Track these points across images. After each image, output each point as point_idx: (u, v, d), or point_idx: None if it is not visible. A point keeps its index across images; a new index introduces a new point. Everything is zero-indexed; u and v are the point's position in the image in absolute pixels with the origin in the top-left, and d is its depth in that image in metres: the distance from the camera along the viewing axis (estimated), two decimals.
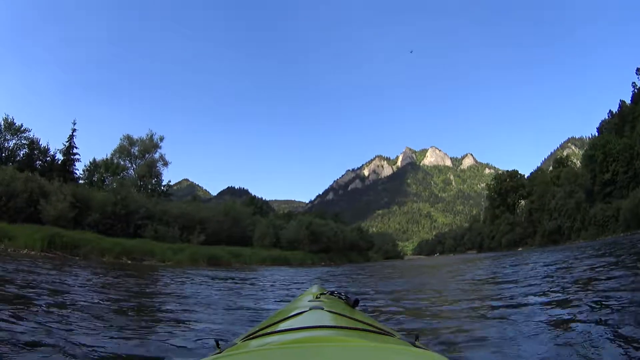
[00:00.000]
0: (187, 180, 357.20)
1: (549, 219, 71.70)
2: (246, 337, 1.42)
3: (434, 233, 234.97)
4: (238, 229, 40.39)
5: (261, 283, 12.63)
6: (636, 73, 62.55)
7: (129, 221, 30.28)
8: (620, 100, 64.85)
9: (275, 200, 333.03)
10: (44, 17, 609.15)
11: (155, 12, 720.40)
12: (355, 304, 2.01)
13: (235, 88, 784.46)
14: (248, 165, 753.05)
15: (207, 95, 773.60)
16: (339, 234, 53.23)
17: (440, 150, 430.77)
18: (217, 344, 1.38)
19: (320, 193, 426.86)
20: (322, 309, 1.59)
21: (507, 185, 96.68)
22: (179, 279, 12.83)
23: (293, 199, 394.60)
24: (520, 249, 72.59)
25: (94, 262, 18.54)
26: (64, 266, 13.88)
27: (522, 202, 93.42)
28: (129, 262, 21.31)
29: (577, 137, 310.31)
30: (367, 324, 1.45)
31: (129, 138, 41.22)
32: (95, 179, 41.03)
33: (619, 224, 50.32)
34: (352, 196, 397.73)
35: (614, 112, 65.92)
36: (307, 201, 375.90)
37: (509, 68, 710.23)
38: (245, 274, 17.59)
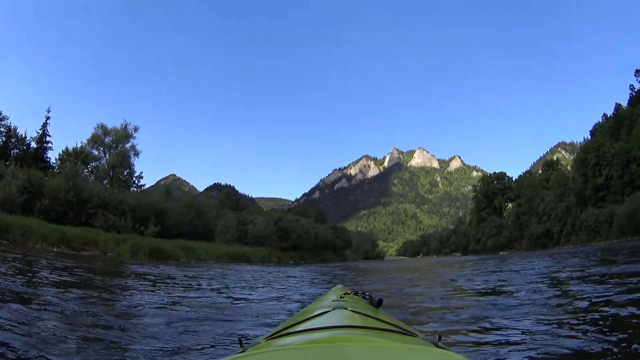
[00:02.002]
0: (174, 175, 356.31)
1: (537, 223, 69.96)
2: (270, 336, 1.43)
3: (419, 234, 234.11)
4: (201, 223, 39.49)
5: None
6: (635, 75, 61.45)
7: (82, 209, 29.15)
8: (616, 103, 63.83)
9: (262, 198, 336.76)
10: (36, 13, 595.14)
11: (145, 6, 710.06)
12: (379, 303, 1.93)
13: (225, 85, 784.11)
14: (236, 162, 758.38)
15: (197, 91, 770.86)
16: (311, 231, 51.76)
17: (427, 152, 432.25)
18: (241, 343, 1.37)
19: (307, 191, 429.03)
20: (346, 308, 1.58)
21: (494, 188, 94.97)
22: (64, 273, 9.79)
23: (280, 197, 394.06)
24: (504, 252, 70.99)
25: (21, 247, 16.93)
26: None
27: (510, 204, 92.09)
28: (70, 251, 20.27)
29: (567, 141, 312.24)
30: (391, 324, 1.45)
31: (102, 127, 40.16)
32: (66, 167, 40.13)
33: (613, 229, 48.59)
34: (338, 195, 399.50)
35: (608, 115, 64.67)
36: (294, 199, 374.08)
37: (499, 71, 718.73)
38: (182, 271, 15.25)
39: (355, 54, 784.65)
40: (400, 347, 1.02)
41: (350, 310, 1.55)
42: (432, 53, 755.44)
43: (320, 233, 56.34)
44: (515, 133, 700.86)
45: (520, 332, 3.84)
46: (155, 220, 31.62)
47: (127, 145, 40.60)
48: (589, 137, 70.11)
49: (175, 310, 5.70)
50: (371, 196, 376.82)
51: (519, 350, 3.17)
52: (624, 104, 62.80)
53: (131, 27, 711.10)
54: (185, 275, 13.04)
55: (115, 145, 40.11)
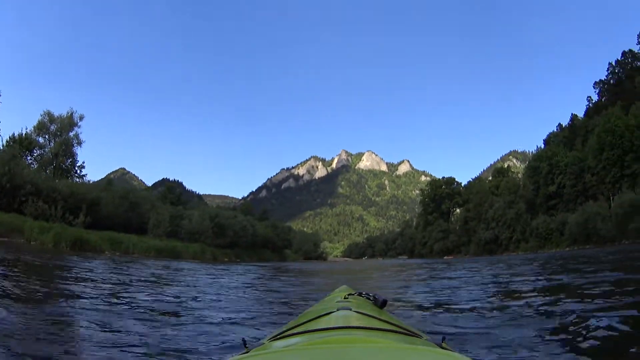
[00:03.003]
0: (123, 169, 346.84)
1: (485, 229, 70.19)
2: (274, 337, 1.43)
3: (365, 236, 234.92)
4: (136, 215, 39.21)
5: None
6: (593, 87, 63.06)
7: (15, 196, 28.69)
8: (572, 113, 65.48)
9: (209, 195, 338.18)
10: None
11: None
12: (383, 304, 1.93)
13: (178, 81, 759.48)
14: (187, 159, 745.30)
15: (150, 86, 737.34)
16: (249, 228, 51.05)
17: (376, 155, 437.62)
18: (245, 344, 1.41)
19: (254, 190, 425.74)
20: (350, 309, 1.59)
21: (442, 192, 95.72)
22: None
23: (227, 195, 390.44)
24: (450, 257, 70.50)
25: None
26: None
27: (458, 210, 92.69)
28: None
29: (519, 150, 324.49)
30: (395, 325, 1.46)
31: (49, 114, 39.54)
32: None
33: (565, 237, 48.75)
34: (285, 195, 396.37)
35: (563, 125, 65.93)
36: (241, 197, 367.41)
37: (452, 79, 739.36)
38: (89, 263, 14.13)
39: (308, 56, 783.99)
40: (405, 348, 1.02)
41: (355, 311, 1.54)
42: (384, 58, 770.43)
43: (259, 231, 56.20)
44: (466, 140, 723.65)
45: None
46: (86, 211, 30.74)
47: (71, 134, 39.97)
48: (542, 146, 71.28)
49: None
50: (318, 197, 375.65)
51: None
52: (580, 114, 64.32)
53: (91, 19, 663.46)
54: (82, 268, 11.82)
55: (59, 133, 39.58)
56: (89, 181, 43.09)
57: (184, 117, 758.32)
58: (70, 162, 40.61)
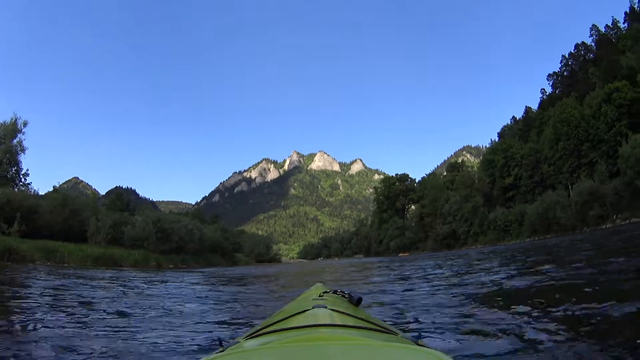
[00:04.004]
0: (76, 178, 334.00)
1: (442, 224, 69.62)
2: (249, 335, 1.42)
3: (320, 237, 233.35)
4: (77, 223, 38.00)
5: None
6: (547, 79, 63.89)
7: None
8: (526, 106, 66.16)
9: (163, 201, 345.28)
10: None
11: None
12: (358, 302, 1.94)
13: (127, 86, 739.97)
14: (140, 165, 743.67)
15: (101, 91, 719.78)
16: (195, 232, 49.60)
17: (328, 155, 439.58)
18: (221, 343, 1.39)
19: (207, 195, 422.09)
20: (326, 307, 1.57)
21: (396, 189, 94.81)
22: None
23: (180, 200, 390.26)
24: (404, 253, 69.48)
25: None
26: None
27: (413, 206, 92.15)
28: None
29: (473, 145, 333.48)
30: (371, 323, 1.46)
31: None
32: None
33: (524, 228, 48.43)
34: (238, 198, 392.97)
35: (517, 118, 66.43)
36: (194, 203, 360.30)
37: (403, 76, 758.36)
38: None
39: (255, 56, 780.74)
40: (381, 345, 1.01)
41: (330, 309, 1.53)
42: (333, 57, 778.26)
43: (207, 235, 54.84)
44: (419, 137, 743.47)
45: None
46: (22, 219, 29.81)
47: (15, 141, 38.67)
48: (497, 139, 71.65)
49: None
50: (271, 199, 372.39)
51: None
52: (534, 107, 65.03)
53: (36, 22, 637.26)
54: None
55: (3, 141, 38.29)
56: (35, 190, 41.92)
57: (136, 123, 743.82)
58: (15, 170, 39.45)
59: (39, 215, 33.54)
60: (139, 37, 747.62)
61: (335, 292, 2.22)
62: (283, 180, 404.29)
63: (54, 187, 52.77)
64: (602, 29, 60.17)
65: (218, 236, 61.67)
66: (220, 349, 1.19)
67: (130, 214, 48.26)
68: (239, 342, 1.30)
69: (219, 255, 58.69)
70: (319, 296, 2.05)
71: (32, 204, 33.82)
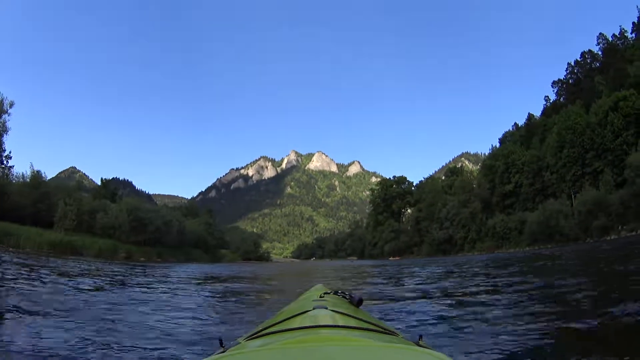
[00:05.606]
0: (74, 168, 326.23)
1: (439, 228, 68.42)
2: (250, 336, 1.44)
3: (315, 237, 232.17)
4: (46, 207, 36.18)
5: None
6: (552, 86, 63.12)
7: None
8: (529, 113, 65.47)
9: (160, 195, 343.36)
10: None
11: None
12: (359, 303, 1.94)
13: (129, 79, 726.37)
14: (138, 158, 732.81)
15: (100, 83, 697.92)
16: (174, 224, 47.12)
17: (326, 156, 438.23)
18: (221, 343, 1.41)
19: (203, 190, 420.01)
20: (326, 308, 1.59)
21: (393, 192, 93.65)
22: None
23: (177, 195, 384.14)
24: (396, 258, 68.22)
25: None
26: None
27: (409, 209, 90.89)
28: None
29: (471, 152, 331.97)
30: (371, 324, 1.48)
31: None
32: None
33: (524, 237, 47.18)
34: (235, 195, 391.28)
35: (519, 124, 65.53)
36: (190, 197, 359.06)
37: (405, 80, 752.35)
38: None
39: (258, 54, 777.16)
40: (382, 346, 1.02)
41: (331, 310, 1.54)
42: (335, 58, 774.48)
43: (189, 227, 52.59)
44: (417, 142, 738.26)
45: None
46: None
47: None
48: (497, 145, 70.73)
49: None
50: (267, 197, 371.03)
51: None
52: (537, 115, 64.28)
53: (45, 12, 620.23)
54: None
55: None
56: (19, 174, 40.72)
57: (136, 117, 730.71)
58: None
59: (9, 196, 33.07)
60: (140, 31, 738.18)
61: (336, 293, 2.21)
62: (280, 178, 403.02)
63: (31, 169, 51.66)
64: (610, 38, 59.41)
65: (201, 230, 59.61)
66: (221, 350, 1.20)
67: (112, 202, 46.34)
68: (240, 342, 1.30)
69: (201, 251, 56.54)
70: (320, 297, 2.03)
71: (2, 184, 33.60)
